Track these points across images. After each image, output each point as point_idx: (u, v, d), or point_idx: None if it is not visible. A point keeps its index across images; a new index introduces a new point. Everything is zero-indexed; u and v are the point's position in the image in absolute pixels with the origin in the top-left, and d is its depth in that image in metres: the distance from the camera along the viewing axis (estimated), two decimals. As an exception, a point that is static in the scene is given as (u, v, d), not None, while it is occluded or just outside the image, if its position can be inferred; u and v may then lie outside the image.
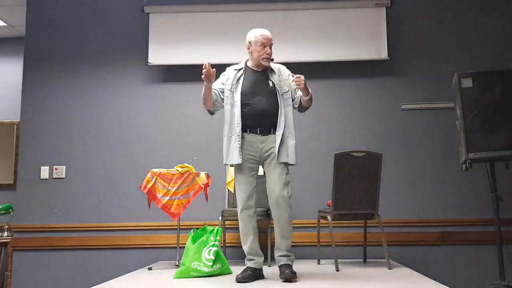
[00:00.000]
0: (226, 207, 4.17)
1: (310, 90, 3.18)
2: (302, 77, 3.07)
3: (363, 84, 4.49)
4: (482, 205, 4.20)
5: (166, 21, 4.51)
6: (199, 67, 4.45)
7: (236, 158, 3.09)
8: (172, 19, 4.51)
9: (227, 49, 4.43)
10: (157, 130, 4.51)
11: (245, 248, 3.15)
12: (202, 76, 3.10)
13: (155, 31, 4.50)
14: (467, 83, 3.35)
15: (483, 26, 4.50)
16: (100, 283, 3.15)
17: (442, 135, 4.36)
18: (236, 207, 3.20)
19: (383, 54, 4.38)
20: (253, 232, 3.14)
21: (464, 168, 3.36)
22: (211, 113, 3.34)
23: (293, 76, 3.12)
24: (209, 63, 3.11)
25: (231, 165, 3.20)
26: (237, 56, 4.25)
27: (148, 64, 4.47)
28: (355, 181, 3.47)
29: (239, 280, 3.02)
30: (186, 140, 4.47)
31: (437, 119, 4.39)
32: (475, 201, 4.25)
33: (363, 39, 4.41)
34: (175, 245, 3.94)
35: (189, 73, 4.48)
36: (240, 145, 3.10)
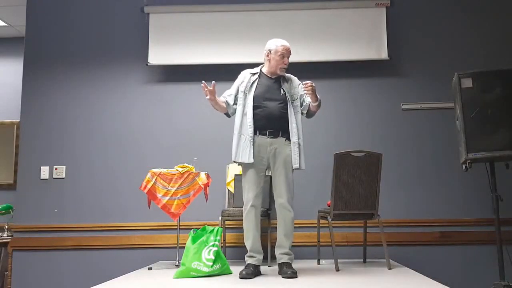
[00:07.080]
0: (226, 207, 4.17)
1: (318, 96, 3.29)
2: (310, 83, 3.18)
3: (363, 84, 4.49)
4: (482, 205, 4.20)
5: (166, 21, 4.51)
6: (199, 67, 4.51)
7: (247, 157, 3.20)
8: (172, 19, 4.51)
9: (227, 49, 4.42)
10: (157, 130, 4.51)
11: (248, 244, 3.25)
12: (207, 97, 3.22)
13: (155, 31, 4.50)
14: (467, 83, 3.35)
15: (483, 26, 4.50)
16: (100, 283, 3.14)
17: (442, 135, 4.36)
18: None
19: (383, 54, 4.38)
20: (257, 229, 3.25)
21: (464, 168, 3.36)
22: (228, 115, 3.46)
23: (304, 85, 3.20)
24: (204, 83, 3.20)
25: (239, 164, 3.30)
26: (237, 56, 4.27)
27: (148, 64, 4.47)
28: (355, 181, 3.47)
29: (244, 276, 3.10)
30: (186, 140, 4.47)
31: (437, 119, 4.39)
32: (475, 201, 4.25)
33: (363, 39, 4.41)
34: (175, 245, 3.94)
35: (189, 73, 4.48)
36: (252, 146, 3.21)
